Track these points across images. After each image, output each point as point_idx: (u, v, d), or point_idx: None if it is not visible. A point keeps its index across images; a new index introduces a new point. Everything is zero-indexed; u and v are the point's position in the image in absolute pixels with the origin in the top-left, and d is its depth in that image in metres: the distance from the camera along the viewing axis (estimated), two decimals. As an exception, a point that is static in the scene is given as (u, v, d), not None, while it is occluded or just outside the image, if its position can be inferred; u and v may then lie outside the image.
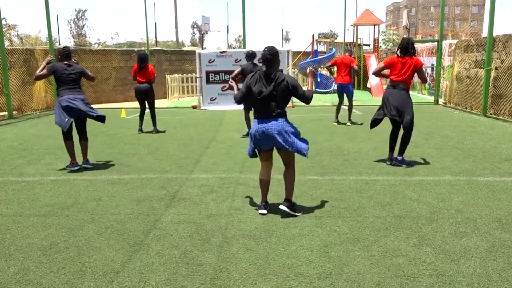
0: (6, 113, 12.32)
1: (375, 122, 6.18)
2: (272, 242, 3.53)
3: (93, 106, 6.35)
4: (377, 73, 6.42)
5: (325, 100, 16.03)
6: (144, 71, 9.18)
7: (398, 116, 5.88)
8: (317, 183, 5.19)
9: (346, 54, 10.31)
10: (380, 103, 6.19)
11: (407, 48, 5.94)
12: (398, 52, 5.98)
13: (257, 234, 3.70)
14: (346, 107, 10.24)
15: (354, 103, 10.62)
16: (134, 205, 4.50)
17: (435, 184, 5.10)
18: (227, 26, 39.25)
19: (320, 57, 19.99)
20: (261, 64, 4.24)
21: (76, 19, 59.47)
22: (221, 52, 14.12)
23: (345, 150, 7.09)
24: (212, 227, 3.88)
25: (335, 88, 10.14)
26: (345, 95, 10.07)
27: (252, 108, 4.35)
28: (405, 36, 6.27)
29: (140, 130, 9.34)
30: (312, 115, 12.17)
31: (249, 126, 8.38)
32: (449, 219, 4.00)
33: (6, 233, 3.79)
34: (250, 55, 8.44)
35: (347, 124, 10.03)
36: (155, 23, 51.65)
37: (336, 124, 10.07)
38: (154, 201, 4.61)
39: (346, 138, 8.28)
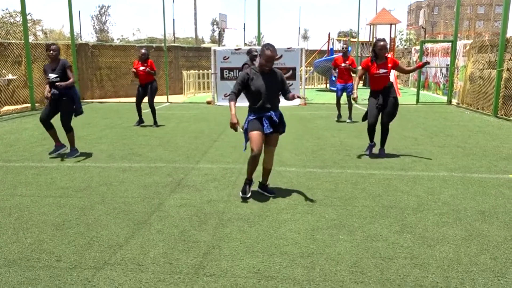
0: (29, 104, 12.91)
1: None
2: (264, 225, 3.83)
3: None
4: None
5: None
6: None
7: None
8: (315, 175, 5.46)
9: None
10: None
11: None
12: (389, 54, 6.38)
13: (251, 218, 4.00)
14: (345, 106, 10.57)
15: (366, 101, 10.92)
16: (141, 190, 4.85)
17: (428, 179, 5.30)
18: (244, 24, 39.49)
19: (335, 55, 20.10)
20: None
21: (99, 15, 60.63)
22: (235, 49, 14.44)
23: (348, 146, 7.32)
24: (211, 210, 4.20)
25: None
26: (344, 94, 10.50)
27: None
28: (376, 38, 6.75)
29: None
30: (322, 112, 12.39)
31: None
32: (434, 210, 4.22)
33: (24, 211, 4.19)
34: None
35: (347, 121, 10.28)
36: (173, 20, 52.54)
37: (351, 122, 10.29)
38: (160, 187, 4.96)
39: (352, 135, 8.49)
